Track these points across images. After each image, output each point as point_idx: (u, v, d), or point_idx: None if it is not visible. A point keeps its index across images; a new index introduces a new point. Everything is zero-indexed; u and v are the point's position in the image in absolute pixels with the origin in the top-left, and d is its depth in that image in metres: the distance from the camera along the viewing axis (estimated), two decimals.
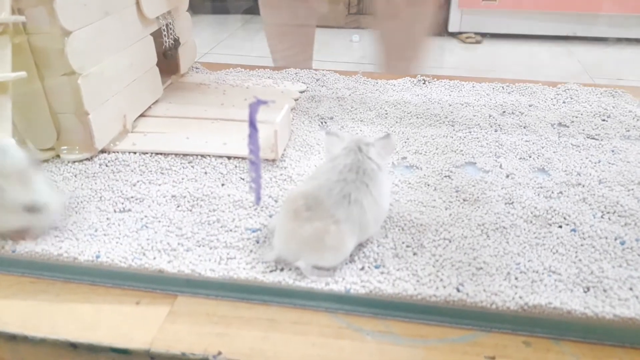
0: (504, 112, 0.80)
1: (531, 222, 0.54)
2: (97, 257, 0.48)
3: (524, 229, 0.53)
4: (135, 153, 0.66)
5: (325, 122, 0.76)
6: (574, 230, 0.53)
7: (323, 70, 0.96)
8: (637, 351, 0.42)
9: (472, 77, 0.94)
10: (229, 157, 0.65)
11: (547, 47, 2.64)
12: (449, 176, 0.63)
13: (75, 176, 0.62)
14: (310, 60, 1.20)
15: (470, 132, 0.74)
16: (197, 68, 0.96)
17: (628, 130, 0.74)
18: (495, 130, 0.75)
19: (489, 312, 0.44)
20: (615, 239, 0.51)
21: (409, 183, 0.61)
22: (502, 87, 0.89)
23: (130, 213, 0.55)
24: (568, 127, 0.76)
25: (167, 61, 0.84)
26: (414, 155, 0.67)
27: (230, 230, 0.52)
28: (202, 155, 0.66)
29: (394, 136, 0.71)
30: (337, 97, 0.85)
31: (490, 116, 0.78)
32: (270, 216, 0.55)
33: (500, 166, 0.65)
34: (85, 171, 0.62)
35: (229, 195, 0.57)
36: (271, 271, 0.47)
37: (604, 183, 0.61)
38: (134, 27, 0.72)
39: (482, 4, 2.66)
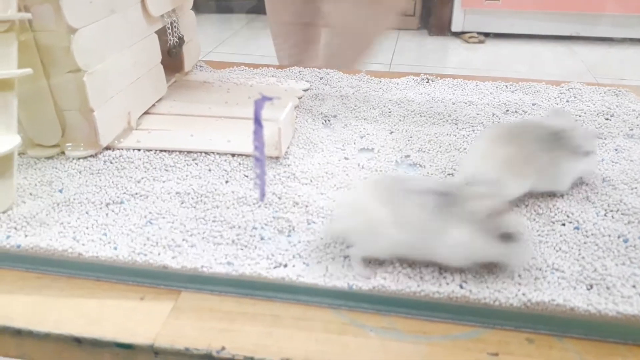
0: (508, 110, 0.80)
1: (534, 219, 0.54)
2: (101, 252, 0.49)
3: (527, 227, 0.53)
4: (139, 150, 0.66)
5: (329, 120, 0.76)
6: (577, 228, 0.53)
7: (326, 68, 0.96)
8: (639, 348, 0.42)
9: (476, 75, 0.94)
10: (232, 155, 0.66)
11: (550, 46, 2.63)
12: (452, 174, 0.63)
13: (80, 173, 0.62)
14: (315, 58, 1.19)
15: (473, 131, 0.74)
16: (201, 66, 0.96)
17: (631, 129, 0.74)
18: None
19: (492, 308, 0.44)
20: (619, 237, 0.51)
21: None
22: (506, 86, 0.89)
23: (134, 209, 0.55)
24: None
25: (172, 59, 0.84)
26: (418, 154, 0.67)
27: (234, 227, 0.53)
28: (206, 153, 0.66)
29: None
30: (340, 95, 0.85)
31: (493, 115, 0.78)
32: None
33: None
34: (89, 168, 0.63)
35: (232, 192, 0.58)
36: (275, 267, 0.47)
37: (607, 181, 0.61)
38: (139, 25, 0.72)
39: (485, 3, 2.66)
